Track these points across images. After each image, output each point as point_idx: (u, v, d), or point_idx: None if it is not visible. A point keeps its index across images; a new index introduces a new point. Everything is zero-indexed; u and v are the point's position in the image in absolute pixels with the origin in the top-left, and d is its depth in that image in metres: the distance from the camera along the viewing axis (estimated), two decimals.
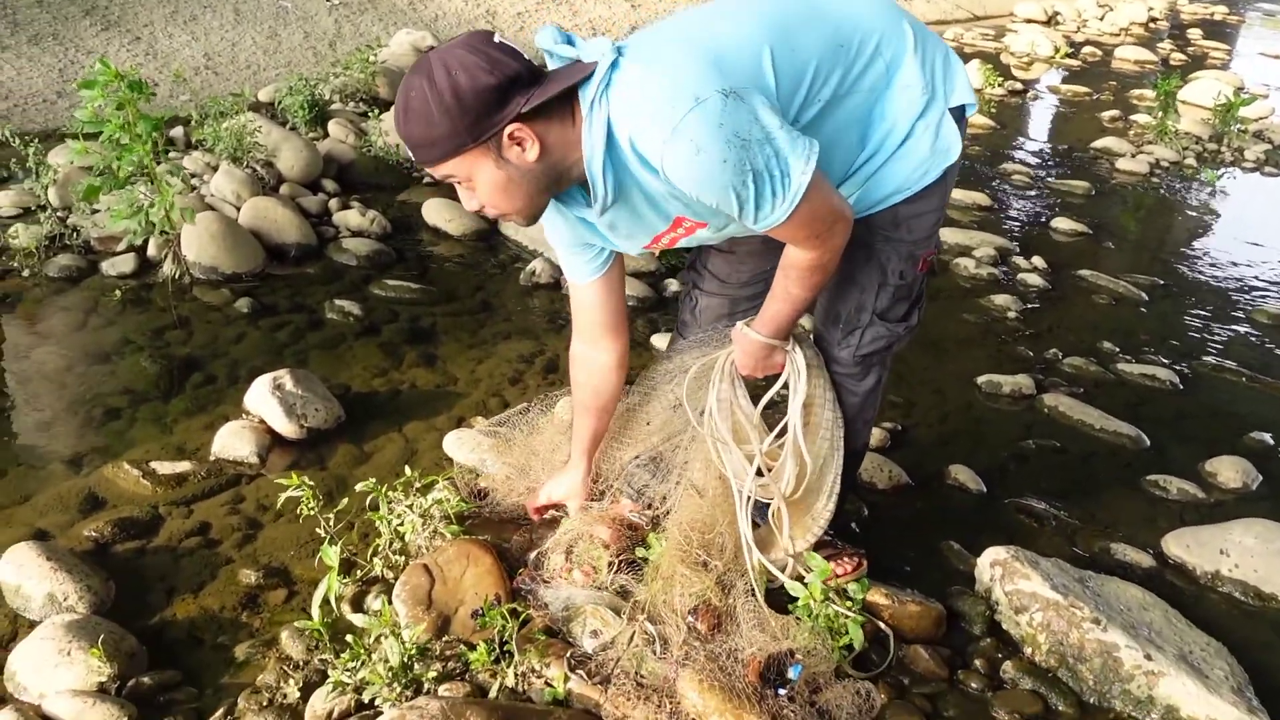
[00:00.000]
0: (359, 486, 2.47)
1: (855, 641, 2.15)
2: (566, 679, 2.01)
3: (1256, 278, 5.10)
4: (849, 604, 2.19)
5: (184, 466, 2.78)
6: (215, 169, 4.60)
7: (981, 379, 3.65)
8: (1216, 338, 4.31)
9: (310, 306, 3.82)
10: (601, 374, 2.31)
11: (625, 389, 2.46)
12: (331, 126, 5.49)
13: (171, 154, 4.91)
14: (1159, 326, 4.37)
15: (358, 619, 2.05)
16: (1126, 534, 2.86)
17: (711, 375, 2.27)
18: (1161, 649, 2.26)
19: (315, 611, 2.06)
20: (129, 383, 3.24)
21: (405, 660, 1.98)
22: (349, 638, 2.02)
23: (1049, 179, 6.59)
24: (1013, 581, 2.42)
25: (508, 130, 1.64)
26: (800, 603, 2.17)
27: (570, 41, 1.75)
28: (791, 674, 2.04)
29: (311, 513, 2.37)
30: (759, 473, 2.22)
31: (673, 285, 4.22)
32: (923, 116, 1.95)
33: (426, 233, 4.65)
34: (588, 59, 1.70)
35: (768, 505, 2.28)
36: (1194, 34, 14.29)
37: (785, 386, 2.23)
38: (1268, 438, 3.46)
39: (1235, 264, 5.27)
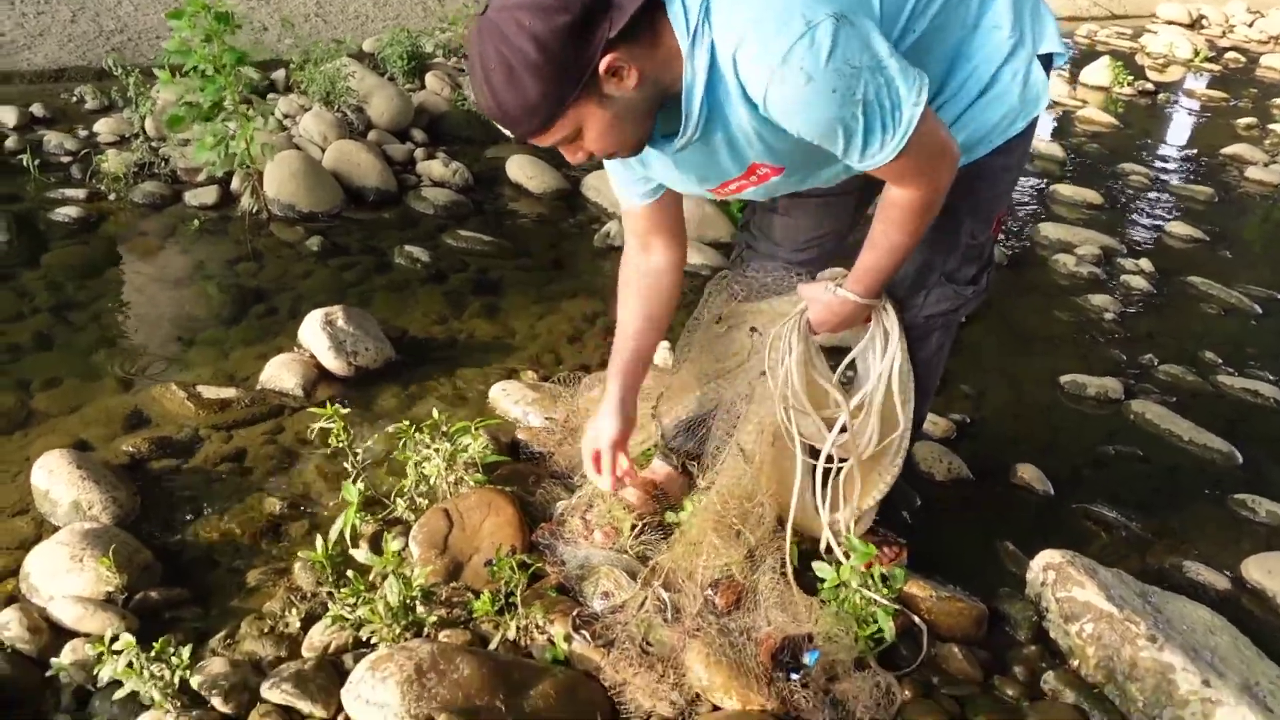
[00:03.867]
0: (391, 428, 2.42)
1: (887, 633, 2.01)
2: (569, 638, 1.93)
3: None
4: (884, 591, 2.05)
5: (229, 393, 2.77)
6: (307, 110, 4.63)
7: (1065, 378, 3.44)
8: None
9: (381, 250, 3.81)
10: (654, 275, 2.10)
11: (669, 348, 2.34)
12: (429, 79, 5.49)
13: (270, 95, 4.97)
14: (1270, 341, 4.06)
15: (359, 554, 2.00)
16: (1204, 553, 2.65)
17: (783, 333, 2.10)
18: (1223, 676, 2.07)
19: (321, 544, 2.01)
20: (194, 309, 3.27)
21: (406, 601, 1.92)
22: (350, 573, 1.97)
23: (1170, 182, 6.23)
24: (1065, 588, 2.25)
25: (603, 65, 1.49)
26: (828, 584, 2.04)
27: None
28: (807, 659, 1.91)
29: (341, 445, 2.33)
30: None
31: None
32: (1009, 61, 1.80)
33: (508, 188, 4.61)
34: None
35: (820, 476, 2.15)
36: None
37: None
38: None
39: None
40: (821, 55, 1.45)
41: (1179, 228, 5.24)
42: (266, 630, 2.00)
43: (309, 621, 2.02)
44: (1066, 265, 4.51)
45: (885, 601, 2.02)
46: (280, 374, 2.85)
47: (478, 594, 2.02)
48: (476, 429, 2.38)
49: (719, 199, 1.98)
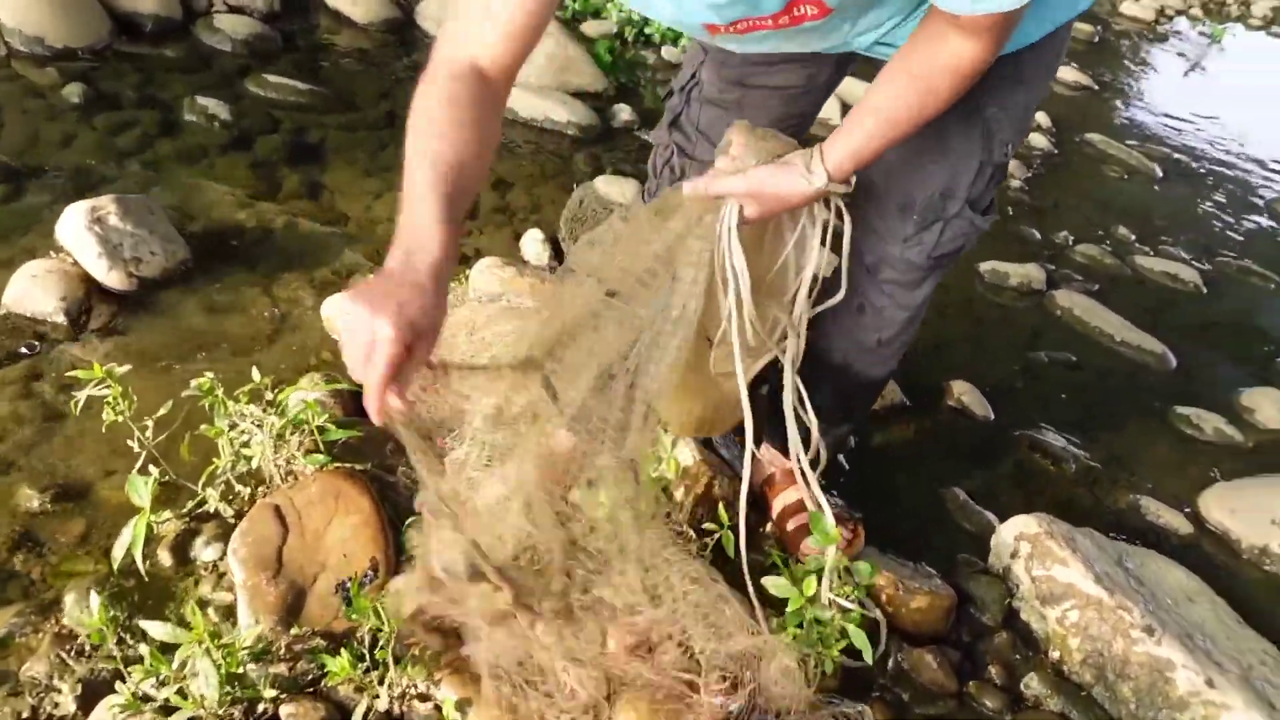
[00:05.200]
0: (194, 384, 1.78)
1: (866, 653, 1.59)
2: (465, 706, 1.44)
3: (1275, 160, 4.54)
4: (848, 591, 1.63)
5: None
6: None
7: (985, 266, 3.06)
8: (1237, 231, 3.79)
9: (165, 103, 2.99)
10: (499, 81, 1.28)
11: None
12: None
13: None
14: (1176, 211, 3.82)
15: (155, 628, 1.41)
16: (1157, 485, 2.37)
17: (719, 230, 1.47)
18: (1224, 669, 1.78)
19: (99, 607, 1.41)
20: None
21: (228, 675, 1.37)
22: (144, 649, 1.39)
23: None
24: (1044, 565, 1.90)
25: None
26: (791, 608, 1.60)
27: None
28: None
29: (121, 419, 1.70)
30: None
31: (623, 113, 3.48)
32: None
33: (325, 16, 3.77)
34: None
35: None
36: None
37: None
38: None
39: (1249, 140, 4.72)
40: None
41: (1067, 73, 4.90)
42: (26, 715, 1.42)
43: (92, 693, 1.44)
44: None
45: (855, 606, 1.61)
46: (33, 291, 2.13)
47: (333, 642, 1.49)
48: (314, 405, 1.78)
49: (705, 34, 1.37)
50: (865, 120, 1.34)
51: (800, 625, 1.59)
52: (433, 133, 1.19)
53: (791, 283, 1.58)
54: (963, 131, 1.48)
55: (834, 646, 1.59)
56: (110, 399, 1.69)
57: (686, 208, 1.52)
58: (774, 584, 1.62)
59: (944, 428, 2.42)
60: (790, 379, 1.60)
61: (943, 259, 1.60)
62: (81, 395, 1.68)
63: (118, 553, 1.57)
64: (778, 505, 1.93)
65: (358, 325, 1.03)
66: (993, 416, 2.47)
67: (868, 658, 1.60)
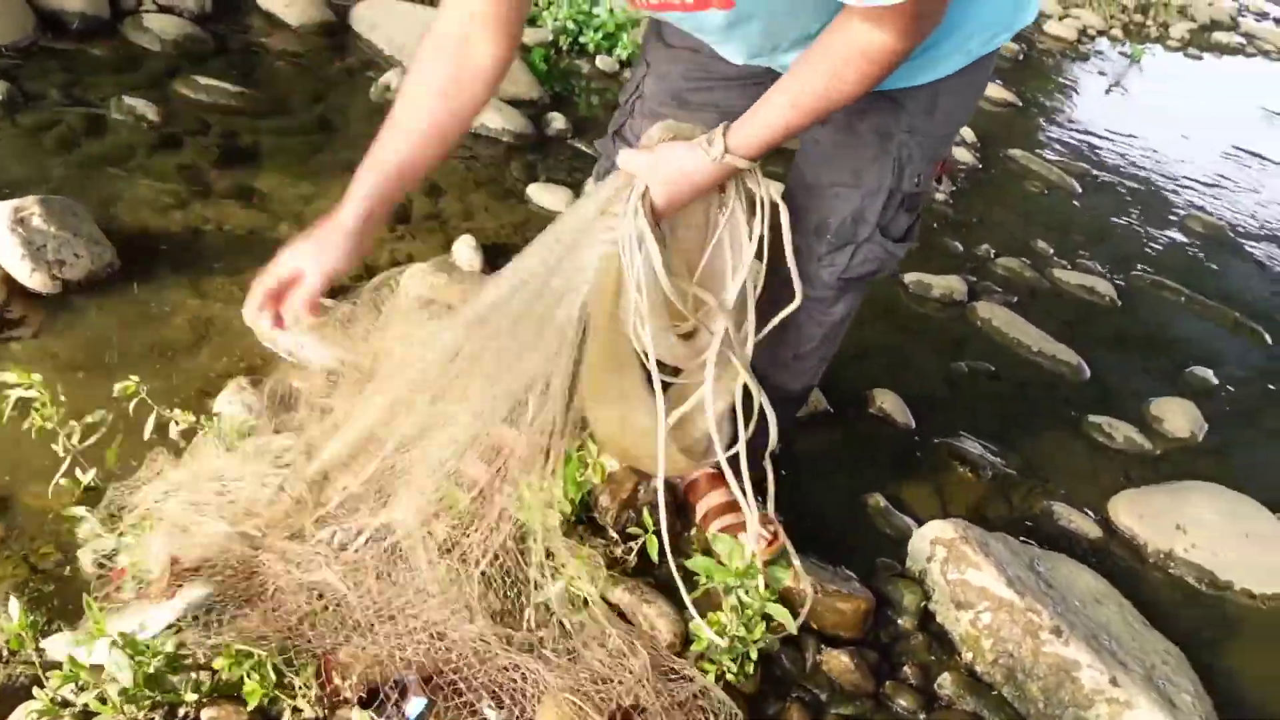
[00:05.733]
0: (117, 388, 1.77)
1: (788, 625, 1.63)
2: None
3: (1187, 177, 4.73)
4: (763, 594, 1.68)
5: None
6: None
7: (909, 277, 3.14)
8: (1151, 245, 3.93)
9: (91, 102, 2.94)
10: (467, 72, 1.47)
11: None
12: None
13: None
14: (1092, 225, 3.95)
15: (66, 638, 1.39)
16: (1069, 491, 2.46)
17: (623, 222, 1.47)
18: (1128, 669, 1.86)
19: (18, 612, 1.40)
20: None
21: (146, 678, 1.37)
22: (62, 653, 1.38)
23: None
24: (959, 569, 1.96)
25: None
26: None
27: None
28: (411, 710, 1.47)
29: (48, 425, 1.69)
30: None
31: (557, 122, 3.51)
32: None
33: (257, 17, 3.73)
34: None
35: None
36: None
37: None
38: (1210, 374, 3.11)
39: (1165, 157, 4.89)
40: None
41: (992, 90, 5.02)
42: None
43: (10, 698, 1.43)
44: None
45: (771, 610, 1.65)
46: None
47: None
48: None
49: (629, 7, 1.39)
50: (773, 98, 1.35)
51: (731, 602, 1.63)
52: (394, 118, 1.49)
53: (726, 271, 1.60)
54: (873, 159, 1.52)
55: (756, 629, 1.64)
56: (38, 404, 1.68)
57: (596, 193, 1.55)
58: (699, 564, 1.66)
59: (867, 435, 2.48)
60: (710, 368, 1.57)
61: (855, 281, 1.65)
62: (9, 399, 1.67)
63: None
64: (701, 508, 1.97)
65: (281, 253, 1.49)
66: (914, 425, 2.54)
67: (790, 627, 1.64)
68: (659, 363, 1.57)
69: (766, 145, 1.40)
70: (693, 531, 1.97)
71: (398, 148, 1.48)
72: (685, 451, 1.70)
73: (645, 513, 1.79)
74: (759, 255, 1.58)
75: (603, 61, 4.07)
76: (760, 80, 1.44)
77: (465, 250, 2.66)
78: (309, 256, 1.47)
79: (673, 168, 1.43)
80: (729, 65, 1.56)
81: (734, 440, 1.65)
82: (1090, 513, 2.40)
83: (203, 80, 3.17)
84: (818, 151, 1.60)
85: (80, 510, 1.67)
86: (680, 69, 1.69)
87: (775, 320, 1.64)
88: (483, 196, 3.01)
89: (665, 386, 1.60)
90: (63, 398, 1.73)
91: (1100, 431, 2.70)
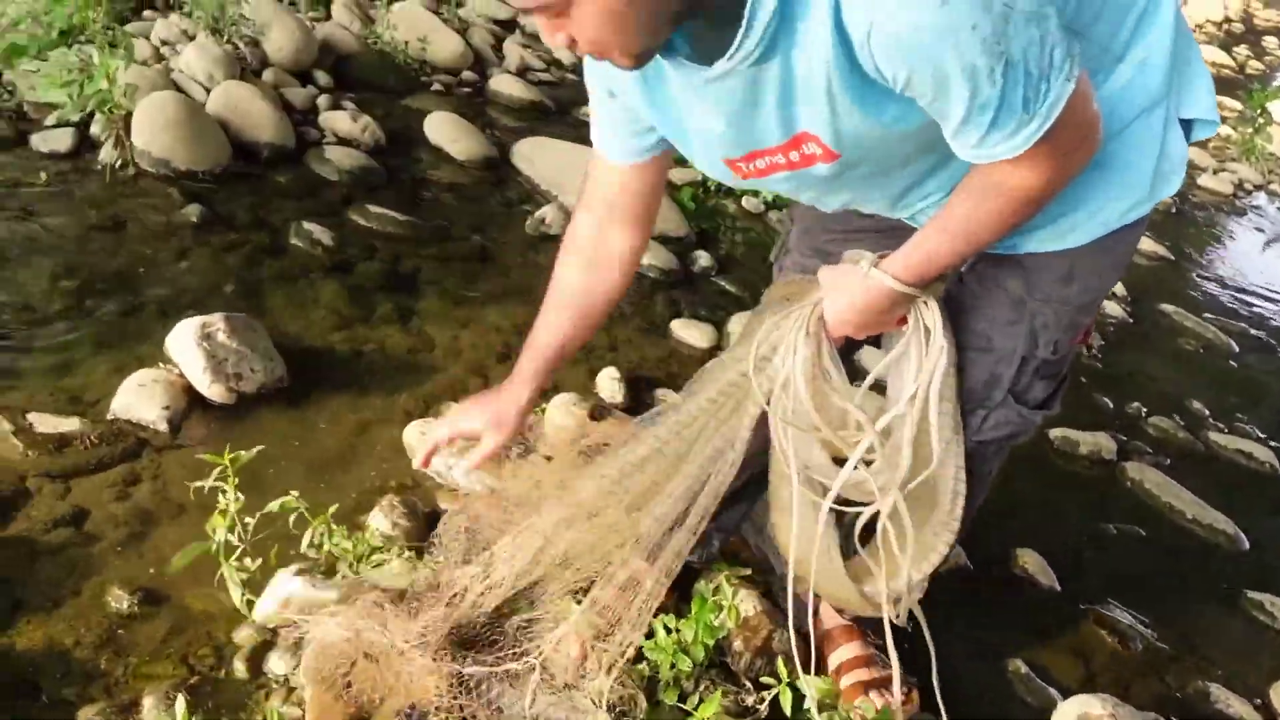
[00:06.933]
0: (274, 505, 1.86)
1: None
2: None
3: None
4: None
5: (70, 425, 2.17)
6: (192, 39, 3.92)
7: (1056, 433, 3.06)
8: None
9: (273, 225, 3.18)
10: (604, 261, 1.64)
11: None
12: (336, 8, 4.78)
13: (147, 13, 4.23)
14: (1251, 387, 3.79)
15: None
16: (1226, 671, 2.31)
17: (786, 333, 1.52)
18: None
19: (180, 712, 1.47)
20: (31, 295, 2.62)
21: None
22: None
23: None
24: None
25: None
26: None
27: None
28: None
29: (223, 517, 1.78)
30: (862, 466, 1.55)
31: (702, 259, 3.60)
32: (1147, 114, 1.34)
33: (426, 152, 3.99)
34: None
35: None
36: (1270, 42, 13.45)
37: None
38: None
39: None
40: None
41: (1145, 243, 4.93)
42: None
43: None
44: None
45: None
46: (138, 401, 2.26)
47: None
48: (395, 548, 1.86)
49: (736, 179, 1.43)
50: (929, 236, 1.37)
51: None
52: (547, 305, 1.71)
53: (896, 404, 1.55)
54: (1006, 324, 1.51)
55: None
56: (223, 491, 1.78)
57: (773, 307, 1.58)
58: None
59: (1008, 595, 2.41)
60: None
61: (989, 444, 1.63)
62: (202, 484, 1.78)
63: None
64: (834, 660, 1.93)
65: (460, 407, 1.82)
66: (1058, 587, 2.45)
67: None
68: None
69: (915, 266, 1.40)
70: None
71: (551, 335, 1.70)
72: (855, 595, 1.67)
73: (780, 662, 1.77)
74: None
75: (748, 202, 4.18)
76: (898, 230, 1.47)
77: (608, 382, 2.73)
78: (488, 426, 1.75)
79: (839, 290, 1.47)
80: (863, 219, 1.59)
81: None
82: (1250, 698, 2.25)
83: (374, 209, 3.38)
84: (951, 313, 1.61)
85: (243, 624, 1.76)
86: (822, 223, 1.74)
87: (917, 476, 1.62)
88: (628, 330, 3.09)
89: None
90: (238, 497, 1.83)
91: (1260, 609, 2.54)
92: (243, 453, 1.78)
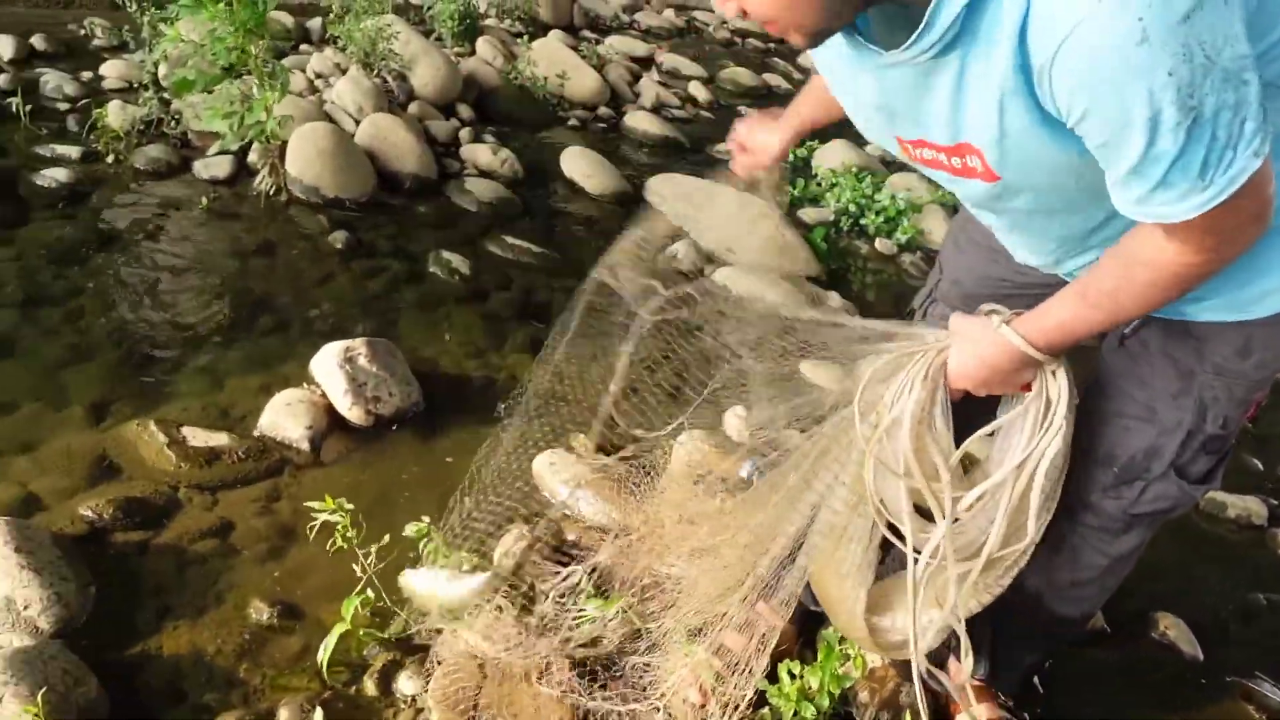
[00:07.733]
0: (407, 530, 1.92)
1: None
2: None
3: None
4: None
5: (220, 440, 2.27)
6: (344, 72, 4.09)
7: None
8: None
9: (414, 254, 3.28)
10: None
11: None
12: (480, 44, 4.93)
13: (303, 47, 4.44)
14: None
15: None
16: None
17: (906, 373, 1.46)
18: None
19: None
20: (190, 314, 2.76)
21: None
22: None
23: None
24: None
25: None
26: None
27: None
28: None
29: (345, 546, 1.85)
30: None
31: (832, 300, 3.57)
32: None
33: (561, 185, 4.07)
34: None
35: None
36: None
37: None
38: None
39: None
40: (1175, 12, 0.94)
41: None
42: None
43: None
44: None
45: None
46: (284, 420, 2.35)
47: None
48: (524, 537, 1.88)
49: (904, 157, 1.37)
50: (1066, 288, 1.31)
51: None
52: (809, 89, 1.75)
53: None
54: (1172, 395, 1.43)
55: None
56: (340, 527, 1.84)
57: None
58: None
59: (1146, 662, 2.29)
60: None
61: (1143, 517, 1.54)
62: (317, 522, 1.85)
63: (323, 654, 1.71)
64: None
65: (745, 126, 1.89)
66: (1201, 657, 2.33)
67: None
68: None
69: (1048, 331, 1.33)
70: None
71: (808, 102, 1.76)
72: (882, 646, 1.63)
73: (907, 716, 1.73)
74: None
75: (881, 244, 4.14)
76: (1050, 287, 1.42)
77: (735, 421, 2.72)
78: (775, 136, 1.82)
79: (967, 340, 1.42)
80: (1019, 274, 1.55)
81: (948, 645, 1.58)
82: None
83: (510, 240, 3.46)
84: (1110, 378, 1.53)
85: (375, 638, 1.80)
86: (973, 277, 1.69)
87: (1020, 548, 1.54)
88: None
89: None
90: (363, 523, 1.89)
91: None
92: (342, 501, 1.85)
